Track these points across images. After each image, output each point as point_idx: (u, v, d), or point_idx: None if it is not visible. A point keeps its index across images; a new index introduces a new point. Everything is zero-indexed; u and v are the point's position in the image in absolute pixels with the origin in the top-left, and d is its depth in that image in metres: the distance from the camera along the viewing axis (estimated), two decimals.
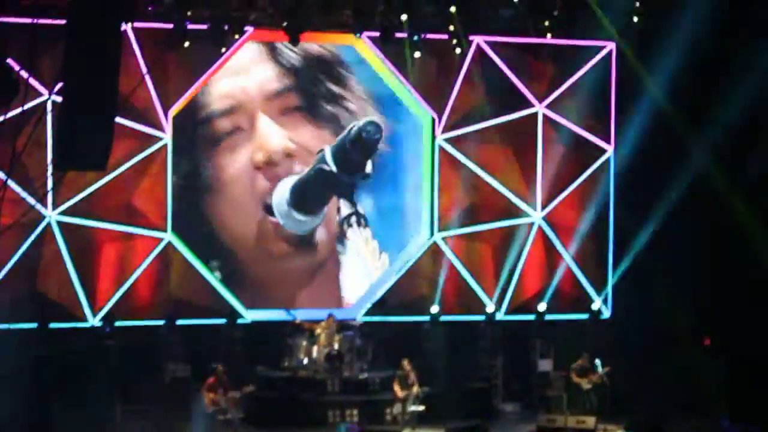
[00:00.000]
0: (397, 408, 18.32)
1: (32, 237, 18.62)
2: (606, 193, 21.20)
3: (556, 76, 21.01)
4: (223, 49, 19.16)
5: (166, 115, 19.32)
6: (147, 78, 18.72)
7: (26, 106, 17.60)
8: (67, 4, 11.11)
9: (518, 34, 20.46)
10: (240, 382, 17.84)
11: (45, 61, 17.45)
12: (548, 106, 20.91)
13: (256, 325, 19.82)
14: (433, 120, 20.62)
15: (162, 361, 18.92)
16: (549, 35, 20.07)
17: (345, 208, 20.27)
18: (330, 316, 19.42)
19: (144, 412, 17.96)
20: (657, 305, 20.08)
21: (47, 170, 17.58)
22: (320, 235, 20.24)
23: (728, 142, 19.79)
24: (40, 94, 17.30)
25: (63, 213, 18.85)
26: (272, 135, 19.93)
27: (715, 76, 19.54)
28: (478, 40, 20.51)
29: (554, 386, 19.82)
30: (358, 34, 19.72)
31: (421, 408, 18.22)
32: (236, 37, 19.10)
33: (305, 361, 19.20)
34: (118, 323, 18.97)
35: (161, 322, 19.24)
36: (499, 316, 20.73)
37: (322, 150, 19.97)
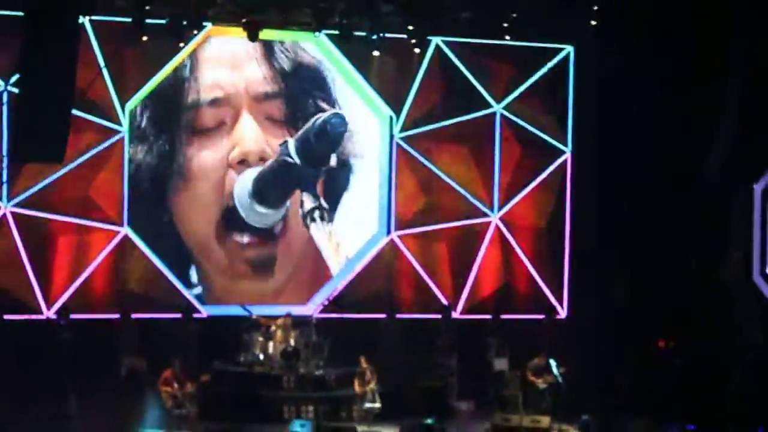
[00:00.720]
0: (355, 404, 18.39)
1: None
2: (563, 193, 21.33)
3: (514, 77, 21.10)
4: (182, 44, 19.09)
5: (123, 108, 19.21)
6: (105, 71, 18.60)
7: None
8: None
9: (477, 35, 20.52)
10: (196, 377, 17.83)
11: (2, 53, 17.44)
12: (506, 107, 21.00)
13: (213, 319, 19.76)
14: (391, 118, 20.65)
15: (117, 354, 18.79)
16: (508, 37, 20.13)
17: (308, 202, 20.20)
18: (287, 313, 19.44)
19: (99, 405, 17.85)
20: (613, 305, 20.21)
21: (2, 162, 17.52)
22: (280, 228, 20.19)
23: (685, 140, 19.97)
24: None
25: (18, 205, 18.69)
26: (252, 136, 19.90)
27: (675, 76, 19.73)
28: (437, 40, 20.57)
29: (510, 385, 19.79)
30: (317, 33, 19.70)
31: (377, 405, 18.27)
32: (195, 32, 19.04)
33: (261, 356, 19.20)
34: (73, 316, 18.78)
35: (116, 316, 19.11)
36: (455, 314, 20.76)
37: (285, 142, 19.95)
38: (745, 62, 19.48)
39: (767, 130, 19.51)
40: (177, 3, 18.66)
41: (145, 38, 18.62)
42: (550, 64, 21.18)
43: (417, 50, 20.20)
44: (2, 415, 16.77)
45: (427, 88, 20.74)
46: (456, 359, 20.39)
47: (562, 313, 21.30)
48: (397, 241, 20.71)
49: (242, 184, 19.88)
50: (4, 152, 17.71)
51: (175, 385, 17.52)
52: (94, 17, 18.35)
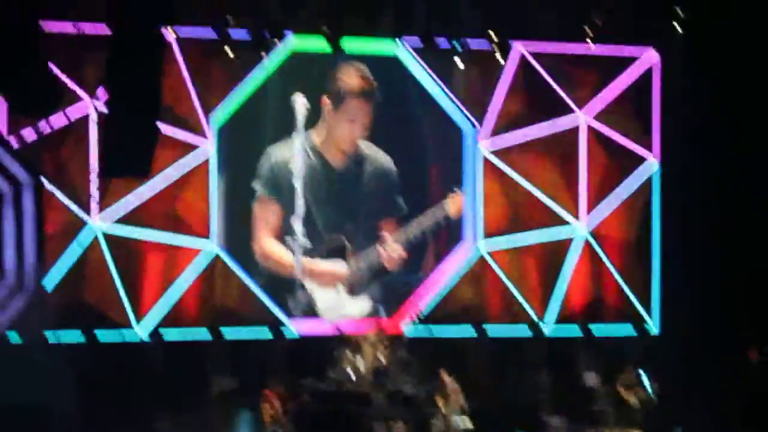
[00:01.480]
0: (440, 422, 18.23)
1: (76, 245, 18.40)
2: (649, 204, 20.90)
3: (599, 84, 20.75)
4: (264, 54, 18.93)
5: (208, 122, 19.09)
6: (189, 85, 18.54)
7: (70, 115, 17.85)
8: (112, 13, 11.12)
9: (561, 41, 20.28)
10: (289, 396, 17.73)
11: (89, 70, 17.54)
12: (592, 116, 20.65)
13: (303, 337, 19.55)
14: (475, 129, 20.38)
15: (208, 374, 18.70)
16: (591, 43, 19.95)
17: None
18: (377, 327, 19.21)
19: (190, 426, 17.86)
20: (705, 318, 19.91)
21: (91, 178, 17.63)
22: None
23: None
24: (84, 103, 17.40)
25: (107, 221, 18.60)
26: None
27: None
28: (519, 47, 20.28)
29: (600, 400, 19.66)
30: (397, 40, 19.47)
31: (468, 424, 18.10)
32: (276, 42, 18.91)
33: (351, 374, 19.03)
34: (164, 335, 18.76)
35: (207, 335, 19.01)
36: (545, 329, 20.47)
37: None
38: None
39: None
40: (257, 13, 18.68)
41: (228, 51, 18.58)
42: (636, 71, 20.76)
43: (500, 59, 19.96)
44: None
45: (510, 97, 20.41)
46: (546, 375, 20.21)
47: (653, 327, 20.89)
48: (486, 255, 20.39)
49: None
50: (94, 169, 17.84)
51: (277, 405, 17.49)
52: (178, 32, 18.37)
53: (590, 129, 20.67)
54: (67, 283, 18.33)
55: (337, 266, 19.57)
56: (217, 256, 19.15)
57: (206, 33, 18.71)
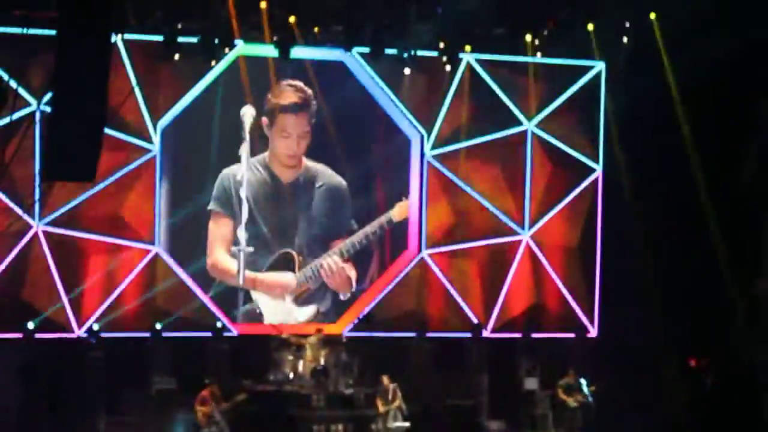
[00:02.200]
0: (379, 424, 18.38)
1: (19, 246, 18.49)
2: (594, 211, 21.19)
3: (545, 94, 21.00)
4: (213, 62, 19.11)
5: (155, 127, 19.24)
6: (136, 90, 18.64)
7: (15, 116, 17.66)
8: (58, 16, 11.13)
9: (509, 52, 20.51)
10: (228, 396, 17.82)
11: (34, 71, 17.50)
12: (537, 125, 20.92)
13: (243, 338, 19.68)
14: (422, 137, 20.59)
15: (148, 373, 18.81)
16: (539, 54, 20.21)
17: None
18: (317, 330, 19.38)
19: (129, 424, 17.89)
20: (644, 324, 20.05)
21: (35, 180, 17.56)
22: None
23: (718, 155, 19.86)
24: (29, 104, 17.33)
25: (50, 223, 18.72)
26: None
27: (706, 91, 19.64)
28: (468, 57, 20.52)
29: (540, 404, 19.83)
30: (348, 50, 19.68)
31: (406, 425, 18.24)
32: (226, 50, 19.06)
33: (291, 375, 19.16)
34: (104, 334, 18.79)
35: (147, 334, 19.05)
36: (486, 333, 20.65)
37: None
38: None
39: None
40: (207, 20, 18.74)
41: (177, 56, 18.67)
42: (581, 82, 21.06)
43: (448, 68, 20.17)
44: None
45: (457, 105, 20.64)
46: (486, 378, 20.39)
47: (593, 332, 21.11)
48: (428, 259, 20.62)
49: None
50: (37, 171, 17.76)
51: (212, 405, 17.54)
52: (126, 36, 18.45)
53: (536, 137, 20.95)
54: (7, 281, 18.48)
55: (285, 277, 19.79)
56: (158, 257, 19.31)
57: (155, 37, 18.75)
